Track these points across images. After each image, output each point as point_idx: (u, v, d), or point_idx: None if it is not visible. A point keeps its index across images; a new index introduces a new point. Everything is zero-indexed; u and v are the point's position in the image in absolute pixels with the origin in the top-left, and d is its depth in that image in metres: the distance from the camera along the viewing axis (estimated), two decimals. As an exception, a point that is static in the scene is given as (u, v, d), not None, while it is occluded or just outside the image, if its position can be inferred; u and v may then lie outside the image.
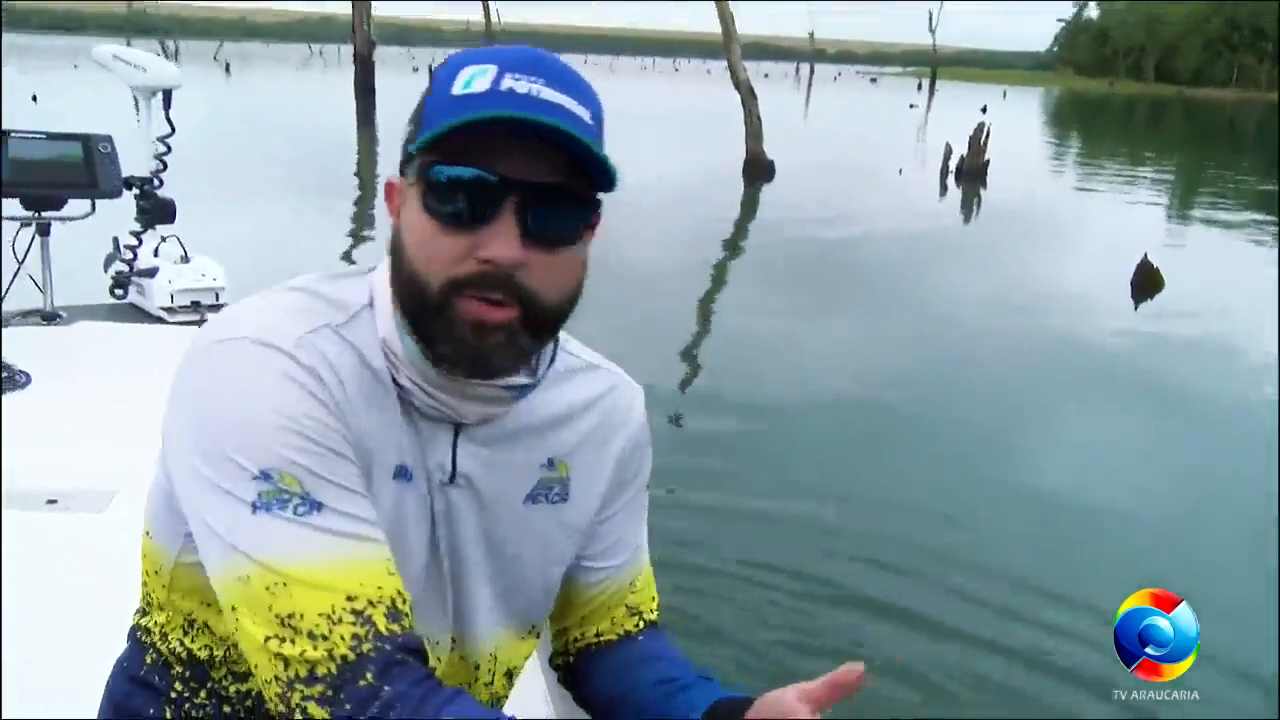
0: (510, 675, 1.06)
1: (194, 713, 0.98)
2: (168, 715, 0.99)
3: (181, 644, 0.97)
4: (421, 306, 0.83)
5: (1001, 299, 8.65)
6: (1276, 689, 2.91)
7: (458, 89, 0.82)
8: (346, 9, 20.95)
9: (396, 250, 0.86)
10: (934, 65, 75.87)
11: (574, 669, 1.09)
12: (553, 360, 0.96)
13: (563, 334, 0.99)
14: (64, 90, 25.28)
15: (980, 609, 3.45)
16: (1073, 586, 3.53)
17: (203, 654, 0.96)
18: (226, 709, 0.97)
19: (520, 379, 0.91)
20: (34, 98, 23.49)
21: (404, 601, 0.81)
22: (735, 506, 4.15)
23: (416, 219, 0.84)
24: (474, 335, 0.82)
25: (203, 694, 0.98)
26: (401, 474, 0.89)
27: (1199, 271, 10.32)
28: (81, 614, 0.97)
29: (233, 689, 0.96)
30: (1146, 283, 8.55)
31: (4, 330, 2.73)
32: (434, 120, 0.81)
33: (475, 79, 0.82)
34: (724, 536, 3.85)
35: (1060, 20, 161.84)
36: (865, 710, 2.86)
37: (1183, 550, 4.02)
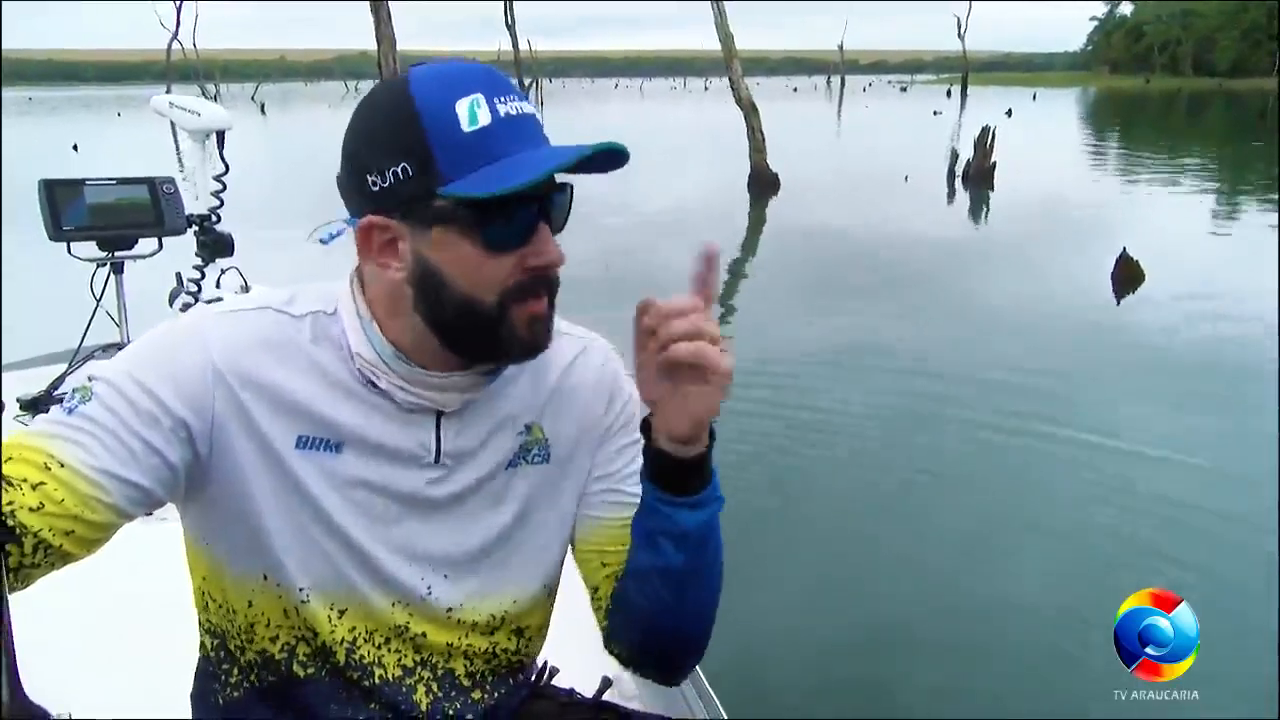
0: (521, 632, 1.09)
1: (233, 693, 1.04)
2: (220, 701, 1.04)
3: (208, 621, 1.04)
4: (476, 324, 0.91)
5: (995, 299, 8.72)
6: (1276, 689, 2.82)
7: (466, 124, 0.86)
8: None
9: (431, 284, 0.90)
10: (964, 70, 75.34)
11: (611, 628, 1.06)
12: None
13: None
14: (105, 137, 25.71)
15: (979, 608, 3.52)
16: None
17: (219, 626, 1.03)
18: (249, 684, 1.03)
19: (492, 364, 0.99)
20: (75, 147, 24.34)
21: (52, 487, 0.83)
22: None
23: (458, 251, 0.88)
24: (530, 330, 0.92)
25: (235, 673, 1.03)
26: (304, 443, 0.95)
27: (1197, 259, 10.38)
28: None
29: (246, 657, 1.02)
30: (1127, 276, 8.55)
31: (88, 364, 2.93)
32: (454, 158, 0.85)
33: (476, 111, 0.86)
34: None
35: (1093, 19, 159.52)
36: (868, 709, 3.18)
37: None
